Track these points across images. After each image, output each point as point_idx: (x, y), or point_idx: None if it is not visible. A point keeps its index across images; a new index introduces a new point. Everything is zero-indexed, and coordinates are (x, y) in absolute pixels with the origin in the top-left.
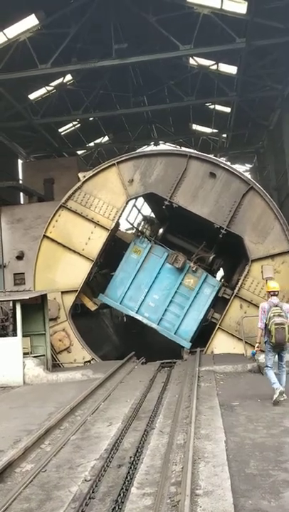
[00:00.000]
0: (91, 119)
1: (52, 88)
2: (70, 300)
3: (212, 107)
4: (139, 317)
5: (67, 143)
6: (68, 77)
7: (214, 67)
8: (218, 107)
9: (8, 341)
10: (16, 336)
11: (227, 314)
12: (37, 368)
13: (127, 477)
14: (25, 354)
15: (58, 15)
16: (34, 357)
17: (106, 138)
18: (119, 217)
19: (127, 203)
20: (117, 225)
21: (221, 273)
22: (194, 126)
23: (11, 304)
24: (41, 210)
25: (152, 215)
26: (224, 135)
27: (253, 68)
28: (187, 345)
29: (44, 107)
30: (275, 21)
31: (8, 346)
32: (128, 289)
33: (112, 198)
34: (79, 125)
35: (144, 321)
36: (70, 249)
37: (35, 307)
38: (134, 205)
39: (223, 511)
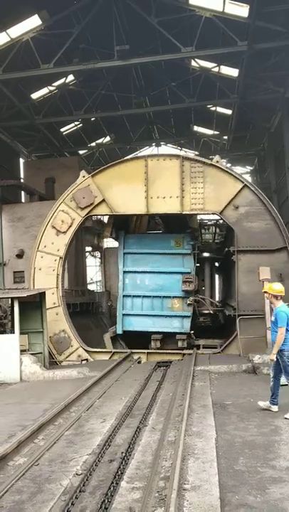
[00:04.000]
0: (93, 119)
1: (54, 88)
2: (100, 211)
3: (213, 108)
4: (120, 276)
5: (68, 142)
6: (70, 77)
7: (216, 69)
8: (220, 109)
9: (6, 338)
10: (13, 333)
11: (162, 354)
12: (34, 365)
13: (117, 472)
14: (22, 351)
15: (61, 15)
16: (31, 354)
17: (108, 138)
18: (198, 214)
19: (212, 214)
20: (190, 216)
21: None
22: (196, 128)
23: (10, 302)
24: (42, 209)
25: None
26: (225, 137)
27: (255, 71)
28: (119, 330)
29: (46, 106)
30: (277, 25)
31: (6, 343)
32: (140, 254)
33: (210, 197)
34: (81, 125)
35: (120, 283)
36: (145, 186)
37: (34, 305)
38: (216, 222)
39: (209, 505)
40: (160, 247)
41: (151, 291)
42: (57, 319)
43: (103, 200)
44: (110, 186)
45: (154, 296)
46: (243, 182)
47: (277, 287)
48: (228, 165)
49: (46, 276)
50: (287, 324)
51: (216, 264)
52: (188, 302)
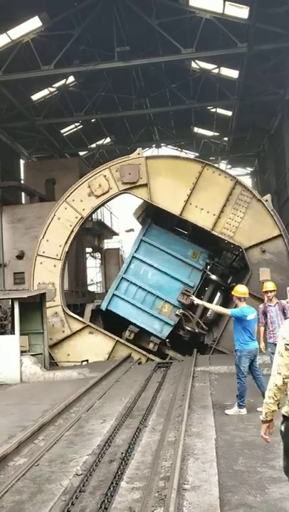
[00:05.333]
0: (93, 120)
1: (54, 89)
2: (137, 193)
3: (213, 110)
4: (128, 259)
5: (69, 144)
6: (71, 78)
7: (216, 70)
8: (220, 111)
9: (6, 339)
10: (14, 334)
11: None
12: (34, 366)
13: (117, 472)
14: (22, 352)
15: (62, 17)
16: (32, 355)
17: (108, 139)
18: (224, 240)
19: (237, 245)
20: (220, 238)
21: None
22: (196, 129)
23: (10, 303)
24: (42, 210)
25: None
26: (225, 138)
27: (255, 72)
28: (104, 306)
29: (46, 107)
30: (277, 27)
31: (6, 344)
32: (156, 248)
33: (244, 230)
34: (81, 126)
35: (125, 265)
36: (190, 191)
37: (34, 306)
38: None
39: (208, 505)
40: (176, 251)
41: (150, 286)
42: (52, 271)
43: (145, 185)
44: (158, 175)
45: (149, 292)
46: (280, 230)
47: (242, 289)
48: (228, 166)
49: (61, 228)
50: (240, 323)
51: (222, 287)
52: (177, 313)
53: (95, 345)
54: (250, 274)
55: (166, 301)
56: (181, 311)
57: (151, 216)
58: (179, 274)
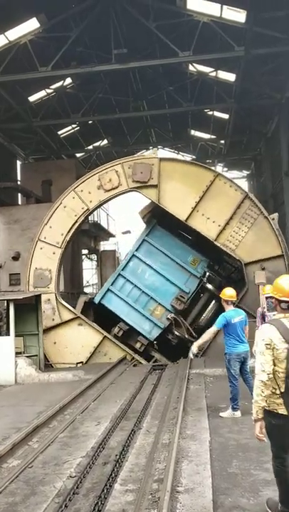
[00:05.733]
0: (90, 122)
1: (52, 91)
2: (146, 193)
3: (210, 113)
4: (128, 256)
5: (66, 145)
6: (68, 80)
7: (213, 74)
8: (217, 114)
9: (1, 340)
10: (9, 335)
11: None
12: (29, 367)
13: (111, 474)
14: (17, 354)
15: (60, 19)
16: (27, 357)
17: (105, 141)
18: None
19: (237, 259)
20: (221, 249)
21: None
22: (193, 132)
23: (5, 304)
24: (38, 211)
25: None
26: (222, 141)
27: (252, 76)
28: (97, 299)
29: (44, 109)
30: (274, 31)
31: (1, 345)
32: (156, 249)
33: (246, 245)
34: (78, 128)
35: (124, 261)
36: (199, 198)
37: (29, 307)
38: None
39: (202, 507)
40: (177, 255)
41: (145, 286)
42: (50, 257)
43: (155, 186)
44: (170, 178)
45: (144, 292)
46: (282, 250)
47: (229, 292)
48: (225, 169)
49: (66, 216)
50: (226, 328)
51: (217, 297)
52: (168, 317)
53: (82, 338)
54: (246, 289)
55: (159, 303)
56: (173, 315)
57: (157, 217)
58: (176, 278)
